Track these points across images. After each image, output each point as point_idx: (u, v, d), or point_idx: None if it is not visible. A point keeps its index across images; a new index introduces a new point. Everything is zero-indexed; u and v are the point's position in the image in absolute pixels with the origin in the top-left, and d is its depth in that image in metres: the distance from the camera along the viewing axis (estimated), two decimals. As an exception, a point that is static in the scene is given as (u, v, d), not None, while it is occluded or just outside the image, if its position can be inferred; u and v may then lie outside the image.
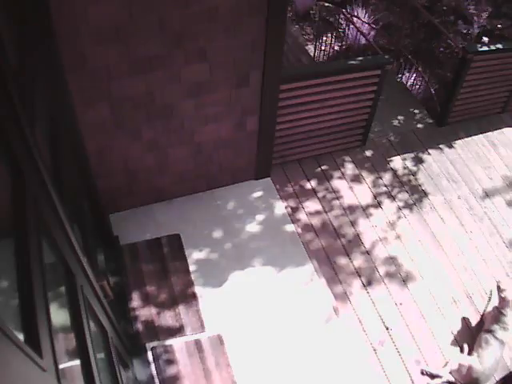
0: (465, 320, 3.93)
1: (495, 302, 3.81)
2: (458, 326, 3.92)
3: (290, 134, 4.60)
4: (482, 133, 5.50)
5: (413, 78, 6.35)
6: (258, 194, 4.53)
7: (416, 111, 5.64)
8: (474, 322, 3.95)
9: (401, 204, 4.67)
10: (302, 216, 4.45)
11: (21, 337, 1.15)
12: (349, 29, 6.83)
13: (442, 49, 7.11)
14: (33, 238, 1.43)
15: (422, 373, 3.65)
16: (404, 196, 4.75)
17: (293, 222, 4.37)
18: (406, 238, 4.42)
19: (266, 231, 4.27)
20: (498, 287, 3.73)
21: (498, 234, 4.59)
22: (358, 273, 4.14)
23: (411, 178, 4.92)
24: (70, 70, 3.00)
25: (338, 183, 4.76)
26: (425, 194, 4.80)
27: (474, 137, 5.45)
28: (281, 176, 4.71)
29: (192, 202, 4.37)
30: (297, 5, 7.54)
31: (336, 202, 4.60)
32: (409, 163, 5.05)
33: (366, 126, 4.92)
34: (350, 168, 4.91)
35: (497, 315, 3.67)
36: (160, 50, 3.22)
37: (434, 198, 4.77)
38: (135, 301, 3.76)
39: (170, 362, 3.49)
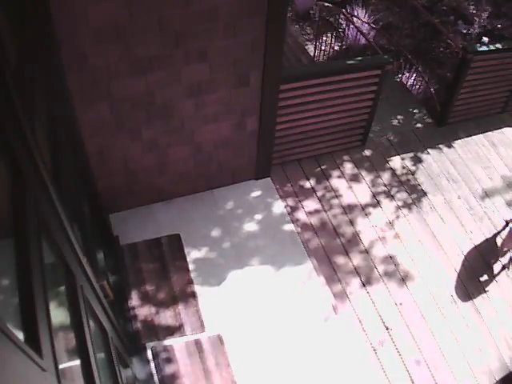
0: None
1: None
2: (458, 325, 3.93)
3: (290, 133, 4.60)
4: (481, 133, 5.50)
5: (413, 78, 6.35)
6: (258, 193, 4.53)
7: (416, 111, 5.64)
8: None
9: (400, 203, 4.67)
10: (301, 215, 4.45)
11: (21, 336, 1.15)
12: (349, 29, 6.83)
13: (442, 49, 7.10)
14: (33, 238, 1.43)
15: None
16: (403, 195, 4.75)
17: (292, 222, 4.37)
18: (405, 237, 4.42)
19: (265, 230, 4.27)
20: None
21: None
22: (356, 271, 4.14)
23: (410, 177, 4.92)
24: (70, 69, 3.00)
25: (337, 182, 4.76)
26: (424, 193, 4.80)
27: (473, 137, 5.45)
28: (281, 176, 4.71)
29: (192, 201, 4.37)
30: (297, 5, 7.54)
31: (335, 201, 4.60)
32: (408, 163, 5.06)
33: (366, 125, 4.92)
34: (349, 167, 4.91)
35: None
36: (160, 50, 3.22)
37: (434, 198, 4.77)
38: (135, 300, 3.76)
39: (170, 361, 3.49)
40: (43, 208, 1.66)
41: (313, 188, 4.68)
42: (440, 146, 5.29)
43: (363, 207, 4.60)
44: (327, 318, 3.84)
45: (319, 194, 4.65)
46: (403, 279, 4.14)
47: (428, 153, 5.18)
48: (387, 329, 3.85)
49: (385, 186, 4.81)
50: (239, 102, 3.82)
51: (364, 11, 7.12)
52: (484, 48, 5.08)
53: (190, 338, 3.61)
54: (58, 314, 1.77)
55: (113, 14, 2.92)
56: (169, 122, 3.71)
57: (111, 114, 3.46)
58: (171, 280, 3.89)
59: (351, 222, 4.47)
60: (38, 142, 1.79)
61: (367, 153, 5.07)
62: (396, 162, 5.05)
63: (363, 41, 6.52)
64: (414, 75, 6.33)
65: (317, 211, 4.51)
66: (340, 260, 4.20)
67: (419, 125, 5.49)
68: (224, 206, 4.39)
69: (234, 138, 4.11)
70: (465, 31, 7.43)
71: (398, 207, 4.65)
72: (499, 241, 4.46)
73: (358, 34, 6.41)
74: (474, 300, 4.10)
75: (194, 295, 3.83)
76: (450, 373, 3.69)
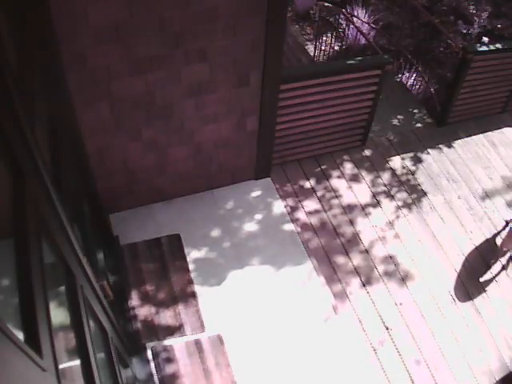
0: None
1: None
2: (458, 325, 3.93)
3: (290, 134, 4.60)
4: (481, 133, 5.50)
5: (413, 78, 6.35)
6: (258, 193, 4.53)
7: (416, 111, 5.64)
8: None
9: (400, 203, 4.67)
10: (301, 215, 4.45)
11: (21, 336, 1.15)
12: (349, 29, 6.83)
13: (442, 49, 7.10)
14: (33, 238, 1.43)
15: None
16: (403, 195, 4.75)
17: (292, 221, 4.37)
18: (405, 237, 4.42)
19: (265, 230, 4.27)
20: None
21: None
22: (356, 271, 4.14)
23: (410, 177, 4.92)
24: (69, 69, 3.00)
25: (337, 182, 4.76)
26: (424, 193, 4.80)
27: (473, 137, 5.45)
28: (281, 176, 4.71)
29: (192, 201, 4.37)
30: (297, 5, 7.54)
31: (335, 201, 4.60)
32: (408, 163, 5.06)
33: (366, 125, 4.92)
34: (349, 167, 4.91)
35: None
36: (160, 50, 3.22)
37: (434, 198, 4.77)
38: (135, 300, 3.76)
39: (170, 361, 3.49)
40: (43, 208, 1.66)
41: (313, 188, 4.68)
42: (440, 145, 5.29)
43: (363, 207, 4.60)
44: (327, 318, 3.84)
45: (319, 194, 4.65)
46: (403, 279, 4.14)
47: (428, 153, 5.18)
48: (387, 329, 3.85)
49: (385, 186, 4.81)
50: (239, 102, 3.82)
51: (364, 11, 7.12)
52: (484, 48, 5.08)
53: (190, 338, 3.61)
54: (58, 314, 1.77)
55: (113, 13, 2.92)
56: (169, 122, 3.71)
57: (111, 113, 3.46)
58: (171, 280, 3.89)
59: (351, 222, 4.47)
60: (37, 142, 1.79)
61: (367, 153, 5.07)
62: (396, 162, 5.05)
63: (363, 41, 6.52)
64: (414, 75, 6.33)
65: (317, 211, 4.51)
66: (340, 260, 4.20)
67: (419, 125, 5.49)
68: (224, 206, 4.39)
69: (234, 138, 4.10)
70: (465, 31, 7.43)
71: (398, 207, 4.65)
72: (499, 241, 4.46)
73: (358, 33, 6.41)
74: (474, 300, 4.10)
75: (194, 295, 3.83)
76: (450, 373, 3.69)
